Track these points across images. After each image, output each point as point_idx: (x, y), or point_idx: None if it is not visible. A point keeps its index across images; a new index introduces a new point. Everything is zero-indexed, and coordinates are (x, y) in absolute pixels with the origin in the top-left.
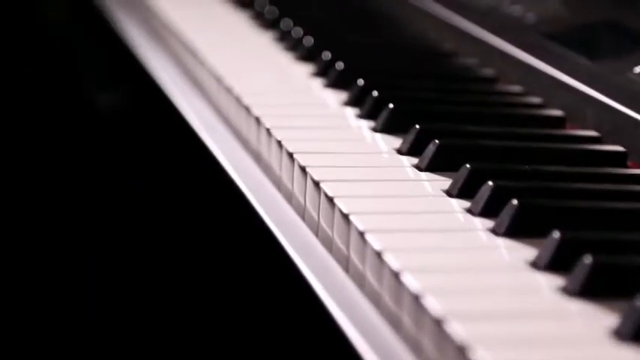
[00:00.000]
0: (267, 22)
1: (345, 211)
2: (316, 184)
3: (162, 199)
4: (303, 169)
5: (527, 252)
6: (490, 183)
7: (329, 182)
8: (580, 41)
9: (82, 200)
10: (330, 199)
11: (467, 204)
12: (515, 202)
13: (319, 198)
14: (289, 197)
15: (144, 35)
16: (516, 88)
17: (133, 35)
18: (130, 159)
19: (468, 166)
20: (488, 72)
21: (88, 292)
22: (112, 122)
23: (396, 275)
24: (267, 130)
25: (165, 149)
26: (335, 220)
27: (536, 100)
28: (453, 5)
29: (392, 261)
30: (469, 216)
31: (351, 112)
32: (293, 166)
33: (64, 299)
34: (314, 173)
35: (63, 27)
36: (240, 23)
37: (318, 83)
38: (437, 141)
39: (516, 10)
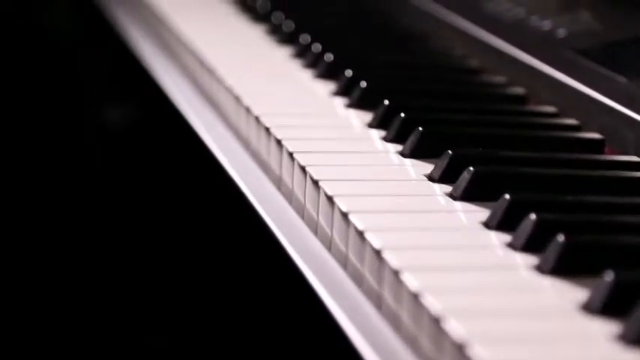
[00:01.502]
0: (284, 37)
1: (377, 246)
2: (344, 215)
3: (176, 222)
4: (330, 199)
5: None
6: (533, 216)
7: (359, 213)
8: (616, 58)
9: (88, 214)
10: (361, 233)
11: (506, 237)
12: (561, 238)
13: (348, 230)
14: (314, 228)
15: (156, 51)
16: (549, 109)
17: (143, 48)
18: (139, 176)
19: (507, 197)
20: (517, 90)
21: (99, 296)
22: (119, 137)
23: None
24: (290, 154)
25: (176, 168)
26: (367, 255)
27: (571, 121)
28: (479, 20)
29: (453, 327)
30: (510, 251)
31: (377, 134)
32: (319, 196)
33: (74, 309)
34: (342, 204)
35: (69, 38)
36: (256, 38)
37: (340, 102)
38: (472, 168)
39: (546, 24)
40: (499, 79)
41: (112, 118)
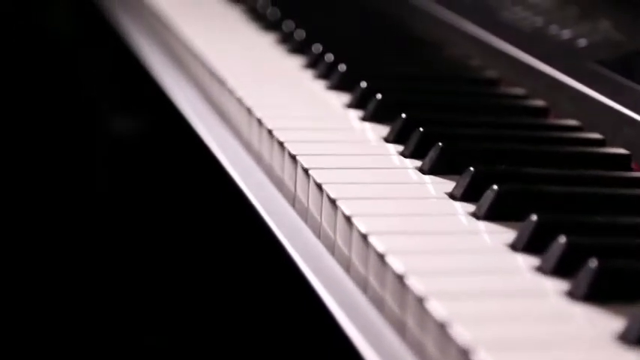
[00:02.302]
0: (295, 46)
1: (399, 271)
2: (364, 237)
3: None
4: (348, 219)
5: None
6: (563, 239)
7: (379, 235)
8: None
9: (89, 215)
10: (381, 256)
11: (534, 260)
12: (594, 264)
13: (368, 252)
14: (332, 248)
15: (163, 60)
16: (572, 122)
17: (149, 57)
18: (141, 182)
19: (534, 218)
20: (538, 103)
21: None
22: (124, 145)
23: None
24: (305, 170)
25: (185, 180)
26: (389, 279)
27: (595, 136)
28: (497, 29)
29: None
30: (539, 275)
31: (394, 149)
32: (336, 215)
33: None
34: (361, 225)
35: (70, 41)
36: (267, 47)
37: (354, 115)
38: (495, 187)
39: (567, 34)
40: (518, 90)
41: (116, 126)
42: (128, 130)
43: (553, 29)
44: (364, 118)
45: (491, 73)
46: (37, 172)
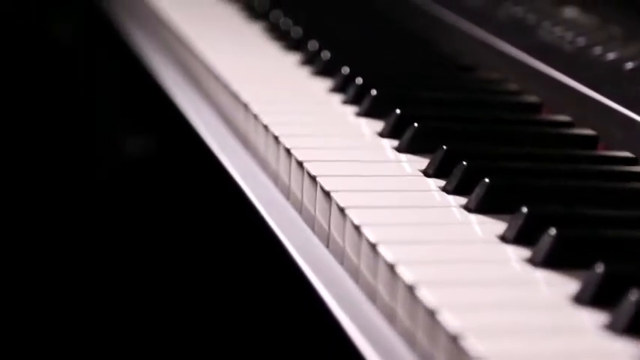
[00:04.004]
0: (321, 70)
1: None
2: (373, 246)
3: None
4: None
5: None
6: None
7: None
8: None
9: (90, 216)
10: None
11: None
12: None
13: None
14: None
15: (179, 78)
16: (625, 154)
17: (164, 74)
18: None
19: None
20: (586, 132)
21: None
22: (136, 166)
23: None
24: (340, 208)
25: (199, 199)
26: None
27: None
28: (534, 49)
29: None
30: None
31: (434, 183)
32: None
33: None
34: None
35: (80, 53)
36: (290, 66)
37: (388, 144)
38: (554, 232)
39: (612, 55)
40: (563, 118)
41: (127, 144)
42: (138, 149)
43: (597, 50)
44: (400, 149)
45: (532, 99)
46: (34, 170)
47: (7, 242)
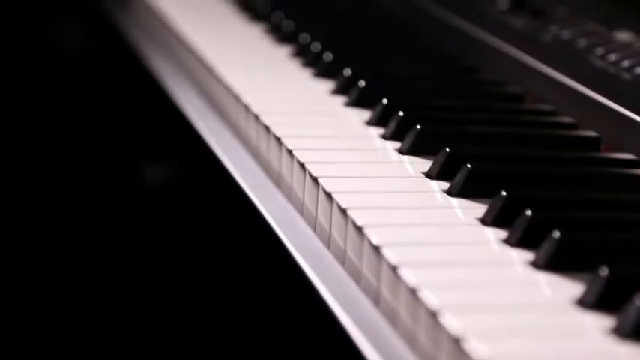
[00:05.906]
0: (342, 88)
1: (375, 242)
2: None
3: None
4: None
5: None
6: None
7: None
8: None
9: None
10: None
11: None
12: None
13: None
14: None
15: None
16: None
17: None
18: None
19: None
20: (589, 134)
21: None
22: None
23: None
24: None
25: (200, 203)
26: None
27: None
28: (588, 78)
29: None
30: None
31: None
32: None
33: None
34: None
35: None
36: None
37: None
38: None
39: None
40: (591, 133)
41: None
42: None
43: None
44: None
45: (566, 120)
46: (35, 170)
47: (21, 276)
